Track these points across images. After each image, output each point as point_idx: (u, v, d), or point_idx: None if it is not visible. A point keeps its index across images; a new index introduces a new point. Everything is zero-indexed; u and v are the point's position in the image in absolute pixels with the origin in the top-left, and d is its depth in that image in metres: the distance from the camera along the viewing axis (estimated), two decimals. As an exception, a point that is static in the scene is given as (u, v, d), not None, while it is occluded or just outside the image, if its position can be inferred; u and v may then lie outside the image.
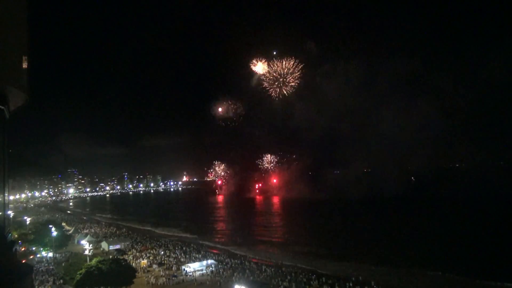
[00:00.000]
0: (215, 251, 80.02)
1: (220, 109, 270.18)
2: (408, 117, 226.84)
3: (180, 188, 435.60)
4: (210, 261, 64.27)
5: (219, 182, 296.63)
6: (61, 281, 52.96)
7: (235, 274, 58.14)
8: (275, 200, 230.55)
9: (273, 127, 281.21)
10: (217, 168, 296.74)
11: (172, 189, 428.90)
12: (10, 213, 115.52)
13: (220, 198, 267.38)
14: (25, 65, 6.96)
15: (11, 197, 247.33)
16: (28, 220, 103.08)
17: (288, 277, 56.10)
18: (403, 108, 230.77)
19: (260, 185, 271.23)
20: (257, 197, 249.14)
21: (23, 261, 40.34)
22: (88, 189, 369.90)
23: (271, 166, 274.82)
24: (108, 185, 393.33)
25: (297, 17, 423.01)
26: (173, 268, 62.23)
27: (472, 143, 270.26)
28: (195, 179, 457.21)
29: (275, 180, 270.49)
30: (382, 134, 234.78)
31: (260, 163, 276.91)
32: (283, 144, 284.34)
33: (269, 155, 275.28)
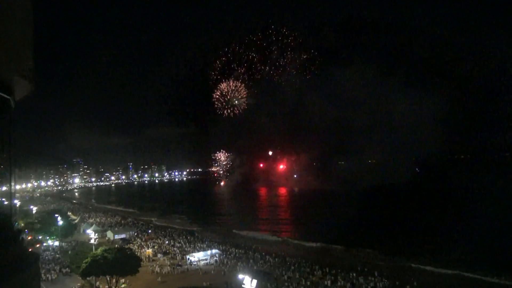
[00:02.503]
0: (219, 241, 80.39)
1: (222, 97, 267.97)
2: (419, 108, 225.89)
3: (184, 179, 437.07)
4: (214, 251, 64.70)
5: (224, 171, 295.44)
6: (67, 269, 53.53)
7: (239, 263, 58.55)
8: (282, 191, 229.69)
9: (282, 117, 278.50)
10: (222, 157, 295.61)
11: (177, 179, 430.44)
12: (17, 202, 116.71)
13: (224, 188, 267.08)
14: (30, 55, 6.96)
15: (17, 187, 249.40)
16: (34, 209, 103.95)
17: (292, 267, 56.47)
18: (414, 99, 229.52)
19: (266, 175, 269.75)
20: (263, 188, 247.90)
21: (30, 250, 40.81)
22: (93, 179, 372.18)
23: (279, 156, 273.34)
24: (113, 175, 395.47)
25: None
26: (178, 258, 62.76)
27: (482, 134, 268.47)
28: (199, 169, 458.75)
29: (282, 167, 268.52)
30: (391, 124, 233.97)
31: (267, 153, 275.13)
32: (292, 134, 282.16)
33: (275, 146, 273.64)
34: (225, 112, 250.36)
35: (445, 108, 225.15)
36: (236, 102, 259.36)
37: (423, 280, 51.46)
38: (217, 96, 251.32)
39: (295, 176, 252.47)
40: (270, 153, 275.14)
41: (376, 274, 52.07)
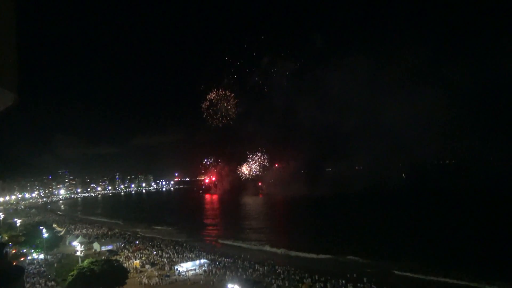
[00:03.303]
0: (207, 251, 79.80)
1: (212, 106, 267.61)
2: (409, 112, 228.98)
3: (172, 188, 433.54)
4: (203, 261, 64.19)
5: (211, 180, 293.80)
6: (53, 282, 52.52)
7: (228, 273, 58.18)
8: (271, 198, 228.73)
9: (271, 124, 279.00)
10: (210, 166, 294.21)
11: (164, 189, 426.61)
12: (0, 215, 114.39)
13: (213, 197, 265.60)
14: (14, 64, 6.87)
15: (1, 199, 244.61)
16: (18, 222, 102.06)
17: (281, 276, 56.32)
18: (404, 104, 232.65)
19: (259, 184, 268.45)
20: (252, 196, 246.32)
21: (14, 263, 39.95)
22: (79, 190, 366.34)
23: (267, 164, 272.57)
24: (100, 185, 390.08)
25: (302, 10, 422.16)
26: (166, 268, 62.08)
27: (471, 139, 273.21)
28: (187, 179, 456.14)
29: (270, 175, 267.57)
30: (381, 130, 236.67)
31: (256, 160, 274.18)
32: (281, 142, 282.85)
33: (264, 153, 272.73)
34: (214, 121, 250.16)
35: (432, 114, 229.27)
36: (225, 111, 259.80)
37: (411, 287, 52.00)
38: (206, 106, 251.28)
39: (284, 183, 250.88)
40: (259, 160, 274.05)
41: (365, 280, 52.29)
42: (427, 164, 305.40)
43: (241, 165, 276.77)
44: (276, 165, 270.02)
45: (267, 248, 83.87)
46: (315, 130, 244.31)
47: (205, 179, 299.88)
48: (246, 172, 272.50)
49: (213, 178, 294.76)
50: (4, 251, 7.09)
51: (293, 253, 76.83)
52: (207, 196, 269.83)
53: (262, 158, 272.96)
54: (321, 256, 72.69)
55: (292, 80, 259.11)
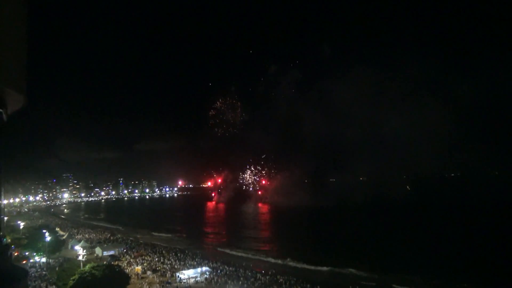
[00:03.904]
0: (209, 258, 79.38)
1: (217, 114, 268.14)
2: (413, 124, 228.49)
3: (175, 194, 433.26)
4: (204, 268, 63.88)
5: (216, 187, 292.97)
6: (54, 286, 52.43)
7: (229, 281, 57.81)
8: (273, 207, 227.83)
9: (275, 133, 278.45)
10: (214, 174, 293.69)
11: (167, 195, 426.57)
12: (4, 217, 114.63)
13: (216, 205, 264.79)
14: (24, 67, 6.93)
15: (5, 201, 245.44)
16: (21, 224, 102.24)
17: (283, 286, 55.89)
18: (409, 116, 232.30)
19: (261, 192, 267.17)
20: (255, 204, 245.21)
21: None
22: (83, 194, 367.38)
23: (271, 172, 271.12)
24: (103, 190, 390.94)
25: (311, 21, 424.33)
26: (168, 275, 61.83)
27: (476, 152, 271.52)
28: (190, 185, 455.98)
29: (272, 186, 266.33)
30: (385, 142, 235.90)
31: (259, 169, 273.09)
32: (285, 151, 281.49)
33: (268, 162, 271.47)
34: (220, 130, 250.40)
35: (437, 126, 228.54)
36: (232, 119, 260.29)
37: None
38: (213, 114, 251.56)
39: (287, 192, 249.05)
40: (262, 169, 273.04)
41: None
42: (431, 176, 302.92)
43: (245, 173, 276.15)
44: (280, 174, 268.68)
45: (270, 258, 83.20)
46: (319, 139, 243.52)
47: (210, 186, 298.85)
48: (250, 180, 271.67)
49: (217, 186, 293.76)
50: (9, 253, 7.00)
51: (295, 264, 76.16)
52: (210, 204, 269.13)
53: (265, 166, 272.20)
54: (324, 268, 71.74)
55: (298, 90, 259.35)
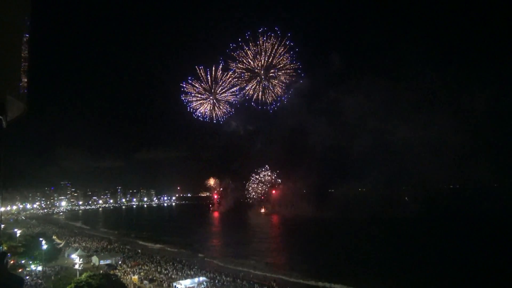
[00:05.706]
0: (207, 269, 78.71)
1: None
2: (420, 136, 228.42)
3: (174, 204, 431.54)
4: (202, 278, 63.41)
5: (217, 196, 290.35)
6: (49, 295, 52.00)
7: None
8: (275, 218, 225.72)
9: (279, 142, 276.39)
10: (212, 183, 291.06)
11: (165, 204, 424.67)
12: (0, 225, 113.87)
13: (216, 214, 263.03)
14: (24, 75, 6.96)
15: (2, 209, 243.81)
16: (18, 232, 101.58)
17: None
18: (416, 128, 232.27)
19: (264, 202, 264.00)
20: (256, 214, 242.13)
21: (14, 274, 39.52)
22: (80, 202, 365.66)
23: (274, 182, 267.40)
24: (101, 198, 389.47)
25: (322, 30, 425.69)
26: (164, 285, 61.36)
27: (482, 165, 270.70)
28: (189, 195, 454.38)
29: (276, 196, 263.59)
30: (392, 153, 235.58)
31: (261, 179, 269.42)
32: (289, 161, 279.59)
33: (271, 172, 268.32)
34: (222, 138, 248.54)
35: (444, 139, 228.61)
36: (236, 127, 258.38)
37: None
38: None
39: (290, 203, 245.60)
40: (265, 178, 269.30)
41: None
42: (438, 188, 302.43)
43: (246, 183, 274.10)
44: (283, 185, 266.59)
45: (268, 269, 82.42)
46: (324, 150, 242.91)
47: (213, 195, 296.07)
48: (251, 190, 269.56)
49: (217, 195, 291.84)
50: (5, 261, 6.98)
51: (293, 279, 75.07)
52: (209, 214, 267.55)
53: (268, 176, 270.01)
54: (325, 284, 70.78)
55: (306, 100, 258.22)
